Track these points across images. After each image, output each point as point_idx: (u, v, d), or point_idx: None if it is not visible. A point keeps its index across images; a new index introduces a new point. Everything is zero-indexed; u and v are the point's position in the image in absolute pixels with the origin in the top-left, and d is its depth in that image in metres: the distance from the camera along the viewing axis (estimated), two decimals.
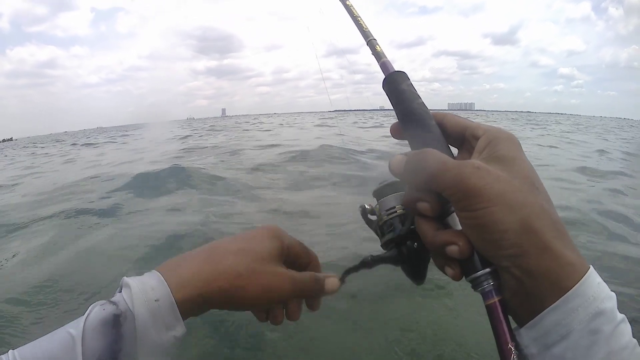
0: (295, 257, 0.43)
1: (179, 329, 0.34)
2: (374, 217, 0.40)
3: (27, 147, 25.64)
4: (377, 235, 0.39)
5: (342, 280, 0.42)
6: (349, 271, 0.41)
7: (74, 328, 0.31)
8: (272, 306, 0.41)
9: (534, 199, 0.29)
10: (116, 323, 0.31)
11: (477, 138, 0.34)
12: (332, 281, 0.42)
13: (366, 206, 0.40)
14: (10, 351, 0.31)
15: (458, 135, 0.37)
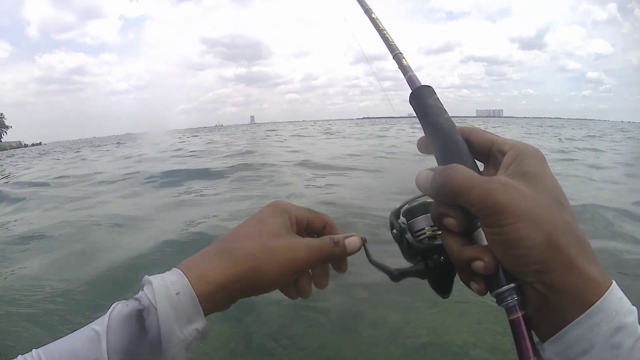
0: (308, 225, 0.43)
1: (201, 322, 0.35)
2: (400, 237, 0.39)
3: (69, 149, 26.11)
4: (401, 248, 0.40)
5: (363, 240, 0.41)
6: (372, 262, 0.40)
7: (98, 325, 0.32)
8: (296, 278, 0.40)
9: (558, 215, 0.29)
10: (140, 318, 0.32)
11: (503, 153, 0.34)
12: (352, 240, 0.41)
13: (401, 224, 0.40)
14: (34, 350, 0.31)
15: (485, 150, 0.37)
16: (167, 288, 0.34)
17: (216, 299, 0.36)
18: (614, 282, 0.28)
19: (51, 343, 0.31)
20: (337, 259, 0.42)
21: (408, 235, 0.39)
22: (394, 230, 0.40)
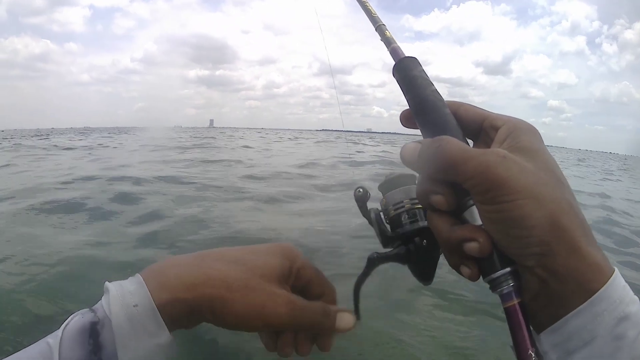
0: (306, 284, 0.38)
1: (163, 337, 0.30)
2: (379, 207, 0.37)
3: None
4: (375, 228, 0.36)
5: (357, 315, 0.37)
6: (358, 284, 0.37)
7: (52, 338, 0.29)
8: (268, 330, 0.36)
9: (561, 194, 0.27)
10: (93, 332, 0.29)
11: (496, 129, 0.32)
12: (345, 316, 0.36)
13: (359, 190, 0.37)
14: None
15: (475, 125, 0.34)
16: (124, 298, 0.30)
17: (177, 314, 0.31)
18: (616, 269, 0.26)
19: (6, 358, 0.28)
20: (322, 332, 0.36)
21: (379, 215, 0.37)
22: (360, 194, 0.37)
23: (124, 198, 4.35)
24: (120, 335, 0.29)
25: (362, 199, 0.37)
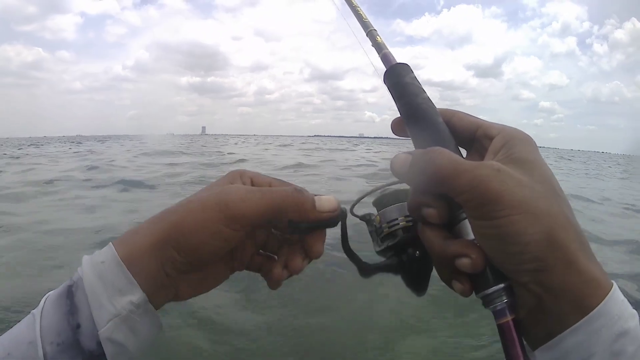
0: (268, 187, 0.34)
1: (136, 294, 0.29)
2: (372, 227, 0.36)
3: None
4: (375, 242, 0.36)
5: (343, 211, 0.34)
6: (347, 247, 0.35)
7: (37, 308, 0.29)
8: (240, 235, 0.31)
9: (558, 208, 0.26)
10: (69, 294, 0.29)
11: (490, 138, 0.31)
12: (327, 199, 0.33)
13: (372, 216, 0.36)
14: None
15: (468, 134, 0.33)
16: (92, 257, 0.30)
17: (144, 266, 0.30)
18: (614, 283, 0.25)
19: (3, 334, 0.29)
20: (303, 214, 0.32)
21: (376, 226, 0.35)
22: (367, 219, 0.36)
23: None
24: (92, 293, 0.29)
25: (369, 222, 0.36)
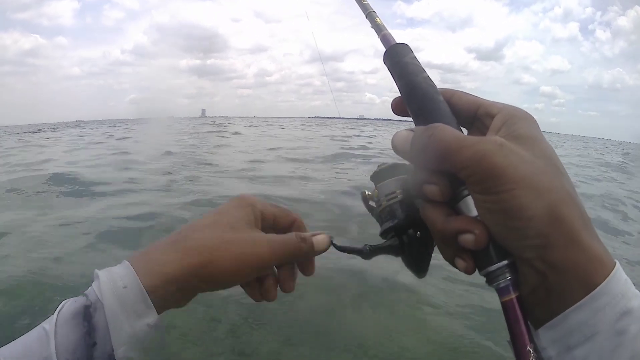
0: (274, 221, 0.39)
1: (152, 317, 0.31)
2: (373, 204, 0.36)
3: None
4: (379, 222, 0.36)
5: (332, 240, 0.38)
6: (342, 249, 0.37)
7: (48, 323, 0.30)
8: (256, 276, 0.37)
9: (560, 184, 0.26)
10: (87, 315, 0.30)
11: (491, 116, 0.31)
12: (320, 238, 0.37)
13: (367, 192, 0.37)
14: None
15: (469, 113, 0.33)
16: (113, 282, 0.31)
17: (167, 293, 0.32)
18: (617, 262, 0.25)
19: (5, 346, 0.30)
20: (304, 257, 0.38)
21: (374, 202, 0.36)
22: (363, 196, 0.37)
23: None
24: (112, 316, 0.30)
25: (365, 200, 0.37)
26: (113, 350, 0.30)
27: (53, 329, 0.29)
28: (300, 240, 0.37)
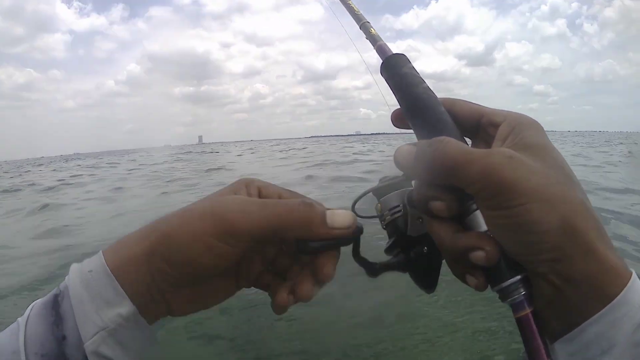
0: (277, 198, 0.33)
1: (125, 306, 0.27)
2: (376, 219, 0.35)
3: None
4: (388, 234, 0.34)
5: (359, 225, 0.31)
6: (356, 255, 0.33)
7: (22, 316, 0.28)
8: (232, 252, 0.28)
9: (573, 194, 0.25)
10: (55, 303, 0.27)
11: (496, 125, 0.30)
12: (341, 213, 0.30)
13: (374, 205, 0.35)
14: None
15: (472, 123, 0.32)
16: (81, 266, 0.29)
17: (134, 278, 0.28)
18: (634, 272, 0.24)
19: None
20: (311, 230, 0.29)
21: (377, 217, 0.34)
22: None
23: None
24: (77, 304, 0.27)
25: (358, 235, 0.34)
26: (83, 343, 0.26)
27: (25, 320, 0.27)
28: (303, 203, 0.29)
